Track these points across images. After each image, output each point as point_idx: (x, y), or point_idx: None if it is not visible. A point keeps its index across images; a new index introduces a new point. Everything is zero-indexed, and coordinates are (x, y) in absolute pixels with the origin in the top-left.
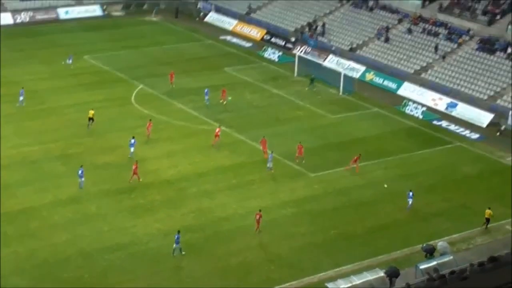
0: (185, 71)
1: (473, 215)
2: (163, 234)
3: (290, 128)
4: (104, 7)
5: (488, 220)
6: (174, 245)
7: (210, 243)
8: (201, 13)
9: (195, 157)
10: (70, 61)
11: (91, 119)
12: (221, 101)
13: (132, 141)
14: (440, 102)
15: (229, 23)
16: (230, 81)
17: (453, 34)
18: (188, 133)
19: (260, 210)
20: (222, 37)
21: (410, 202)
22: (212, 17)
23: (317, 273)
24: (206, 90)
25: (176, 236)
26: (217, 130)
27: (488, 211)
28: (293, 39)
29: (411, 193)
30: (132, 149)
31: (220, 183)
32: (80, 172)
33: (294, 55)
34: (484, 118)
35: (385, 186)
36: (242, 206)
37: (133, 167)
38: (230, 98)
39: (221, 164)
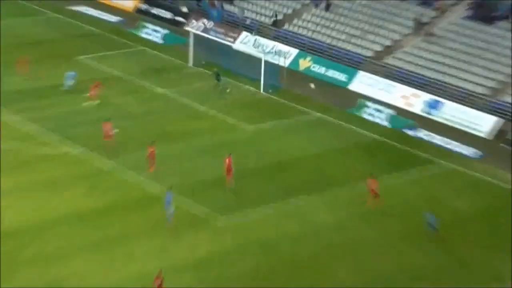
0: (15, 64)
1: (476, 275)
2: None
3: (186, 147)
4: None
5: None
6: None
7: None
8: None
9: (35, 198)
10: None
11: None
12: (87, 103)
13: None
14: (415, 100)
15: None
16: (87, 76)
17: None
18: (23, 160)
19: (160, 271)
20: (72, 8)
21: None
22: None
23: None
24: (72, 73)
25: None
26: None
27: None
28: (185, 9)
29: (432, 218)
30: None
31: (76, 239)
32: None
33: (187, 34)
34: (484, 123)
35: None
36: (112, 276)
37: None
38: (98, 101)
39: (76, 208)
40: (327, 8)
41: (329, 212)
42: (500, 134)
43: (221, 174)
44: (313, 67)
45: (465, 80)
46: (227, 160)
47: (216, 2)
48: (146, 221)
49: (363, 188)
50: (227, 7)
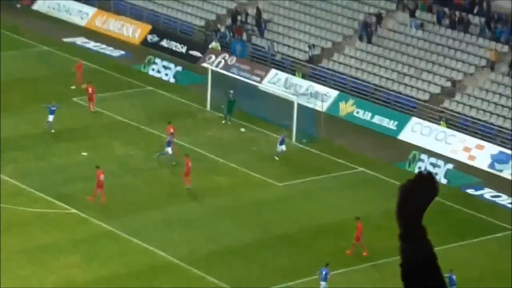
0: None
1: None
2: None
3: (201, 209)
4: None
5: None
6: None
7: None
8: None
9: (21, 268)
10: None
11: None
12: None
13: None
14: (479, 153)
15: (81, 14)
16: (86, 122)
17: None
18: (11, 221)
19: None
20: (68, 40)
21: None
22: (48, 3)
23: None
24: (282, 136)
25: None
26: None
27: None
28: (216, 44)
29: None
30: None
31: None
32: None
33: (204, 71)
34: None
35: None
36: None
37: None
38: (85, 153)
39: (69, 280)
40: (369, 39)
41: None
42: None
43: (245, 242)
44: (356, 112)
45: None
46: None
47: (241, 32)
48: None
49: None
50: (254, 39)
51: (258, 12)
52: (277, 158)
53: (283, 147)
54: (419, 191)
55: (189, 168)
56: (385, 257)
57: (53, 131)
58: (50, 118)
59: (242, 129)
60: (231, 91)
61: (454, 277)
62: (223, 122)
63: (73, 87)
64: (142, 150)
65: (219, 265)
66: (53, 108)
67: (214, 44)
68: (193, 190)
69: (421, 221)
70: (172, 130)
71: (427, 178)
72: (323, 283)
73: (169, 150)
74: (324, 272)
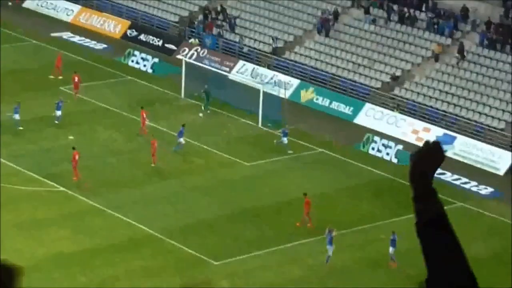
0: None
1: None
2: None
3: (177, 186)
4: None
5: None
6: None
7: None
8: None
9: (15, 240)
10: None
11: None
12: (61, 77)
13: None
14: (426, 135)
15: (67, 11)
16: (72, 109)
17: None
18: (3, 202)
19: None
20: (55, 35)
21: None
22: (37, 1)
23: None
24: (283, 130)
25: None
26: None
27: None
28: (177, 34)
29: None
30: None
31: (59, 285)
32: None
33: (179, 63)
34: (502, 160)
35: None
36: None
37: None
38: (71, 137)
39: (58, 251)
40: (327, 33)
41: (333, 257)
42: None
43: (217, 216)
44: (316, 99)
45: (480, 113)
46: (305, 199)
47: (212, 28)
48: (134, 265)
49: (370, 231)
50: (224, 33)
51: (223, 9)
52: (291, 152)
53: (285, 139)
54: (427, 157)
55: (155, 149)
56: (340, 229)
57: (56, 122)
58: (58, 112)
59: (200, 114)
60: (206, 86)
61: (396, 237)
62: (201, 114)
63: (60, 77)
64: (123, 134)
65: (194, 237)
66: (60, 104)
67: (193, 41)
68: (170, 169)
69: (431, 183)
70: (144, 115)
71: (434, 146)
72: (329, 247)
73: (181, 140)
74: (328, 238)
